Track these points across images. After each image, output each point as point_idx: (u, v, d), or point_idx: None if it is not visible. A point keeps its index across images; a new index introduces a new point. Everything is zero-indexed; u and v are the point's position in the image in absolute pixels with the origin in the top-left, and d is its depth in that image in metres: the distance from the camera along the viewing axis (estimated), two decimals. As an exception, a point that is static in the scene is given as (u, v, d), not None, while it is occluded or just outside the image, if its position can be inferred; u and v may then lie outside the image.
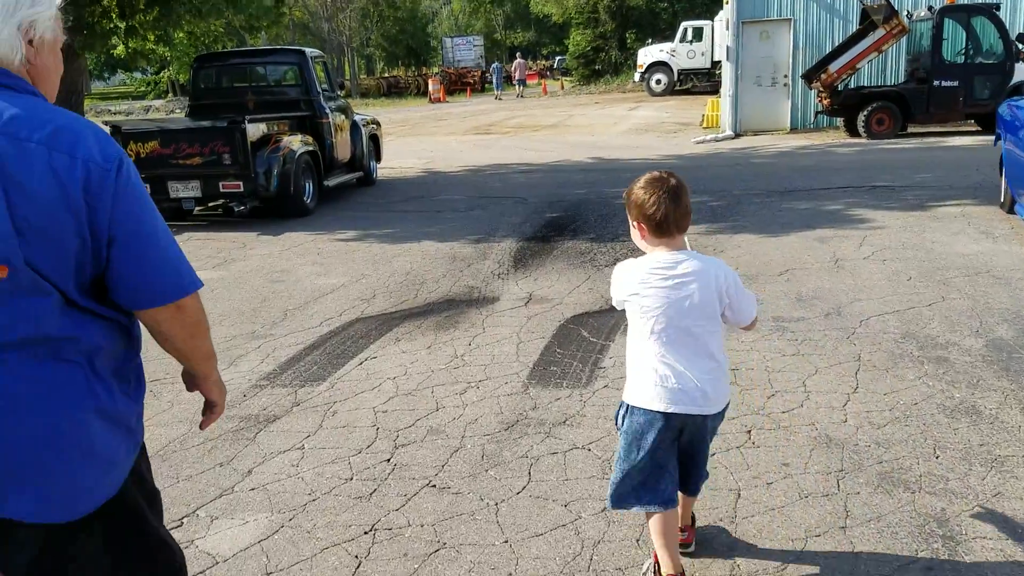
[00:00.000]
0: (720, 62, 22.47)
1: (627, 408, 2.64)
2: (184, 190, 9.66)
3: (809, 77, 16.68)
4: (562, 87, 42.24)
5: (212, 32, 16.28)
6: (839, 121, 17.28)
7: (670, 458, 2.64)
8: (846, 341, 4.98)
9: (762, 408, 4.09)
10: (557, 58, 59.15)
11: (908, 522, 3.06)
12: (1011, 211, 8.22)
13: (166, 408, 4.42)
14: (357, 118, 12.47)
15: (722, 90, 19.68)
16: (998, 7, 15.82)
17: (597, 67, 42.30)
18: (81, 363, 1.66)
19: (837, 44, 16.89)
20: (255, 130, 9.78)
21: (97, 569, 1.79)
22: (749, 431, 3.84)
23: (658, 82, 32.90)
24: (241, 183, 9.60)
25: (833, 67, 16.16)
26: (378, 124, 13.50)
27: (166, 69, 42.33)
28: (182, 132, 9.85)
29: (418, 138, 21.07)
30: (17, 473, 1.61)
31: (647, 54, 33.56)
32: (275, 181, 9.75)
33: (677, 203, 2.49)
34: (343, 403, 4.40)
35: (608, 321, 5.50)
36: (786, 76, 18.20)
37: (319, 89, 11.29)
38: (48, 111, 1.63)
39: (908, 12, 16.65)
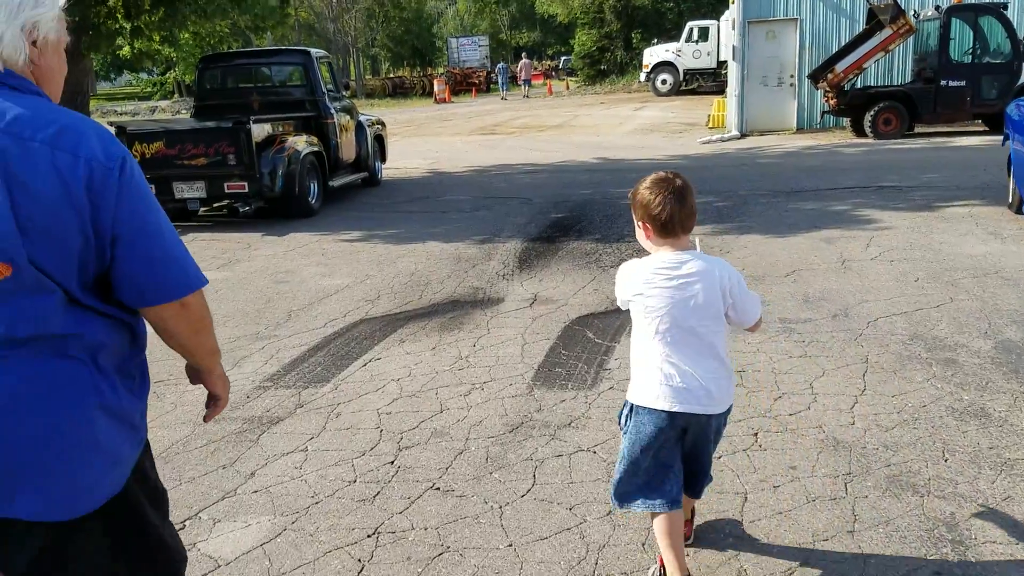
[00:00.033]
0: (726, 62, 22.40)
1: (631, 407, 2.64)
2: (189, 191, 9.66)
3: (815, 77, 16.62)
4: (567, 87, 42.20)
5: (217, 33, 16.27)
6: (845, 121, 17.22)
7: (675, 458, 2.63)
8: (853, 343, 4.94)
9: (769, 410, 4.06)
10: (562, 58, 59.08)
11: (917, 526, 3.03)
12: (1019, 211, 8.18)
13: (169, 410, 4.41)
14: (362, 118, 12.47)
15: (728, 90, 19.63)
16: (1006, 6, 15.76)
17: (602, 67, 42.23)
18: (85, 360, 1.66)
19: (844, 44, 16.84)
20: (260, 130, 9.77)
21: (96, 567, 1.77)
22: (756, 433, 3.81)
23: (664, 82, 32.85)
24: (246, 184, 9.59)
25: (840, 67, 16.11)
26: (383, 124, 13.49)
27: (172, 70, 42.40)
28: (187, 133, 9.85)
29: (423, 138, 21.06)
30: (22, 472, 1.61)
31: (653, 54, 33.51)
32: (280, 181, 9.75)
33: (682, 203, 2.50)
34: (347, 405, 4.38)
35: (613, 322, 5.47)
36: (792, 76, 18.15)
37: (324, 89, 11.29)
38: (52, 111, 1.63)
39: (915, 11, 16.59)
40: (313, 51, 11.66)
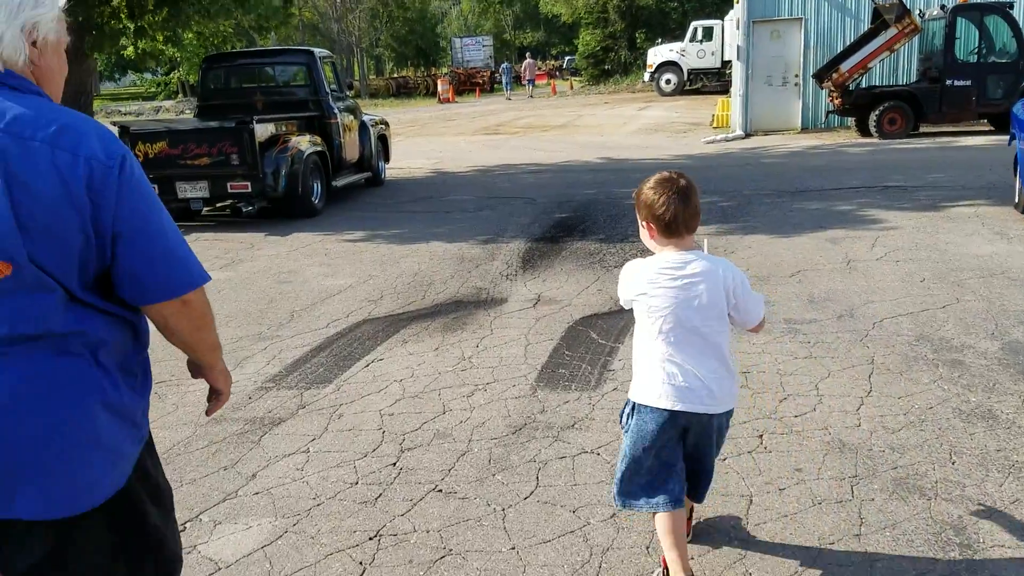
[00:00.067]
0: (730, 62, 22.39)
1: (633, 406, 2.64)
2: (192, 190, 9.64)
3: (820, 76, 16.58)
4: (571, 87, 42.16)
5: (221, 33, 16.27)
6: (850, 121, 17.18)
7: (676, 457, 2.64)
8: (859, 344, 4.91)
9: (774, 412, 4.03)
10: (566, 58, 59.09)
11: (924, 530, 2.99)
12: (1026, 211, 8.13)
13: (171, 411, 4.39)
14: (366, 118, 12.45)
15: (732, 90, 19.59)
16: (1011, 6, 15.69)
17: (607, 67, 42.19)
18: (86, 357, 1.66)
19: (848, 43, 16.78)
20: (263, 130, 9.76)
21: (96, 566, 1.76)
22: (761, 435, 3.78)
23: (668, 82, 32.80)
24: (249, 183, 9.58)
25: (844, 66, 16.05)
26: (387, 124, 13.47)
27: (176, 70, 42.48)
28: (190, 133, 9.85)
29: (427, 138, 21.04)
30: (22, 472, 1.61)
31: (657, 54, 33.46)
32: (283, 181, 9.73)
33: (686, 203, 2.50)
34: (349, 406, 4.36)
35: (617, 323, 5.44)
36: (797, 76, 18.10)
37: (327, 89, 11.27)
38: (52, 110, 1.64)
39: (920, 11, 16.53)
40: (316, 51, 11.65)
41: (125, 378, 1.75)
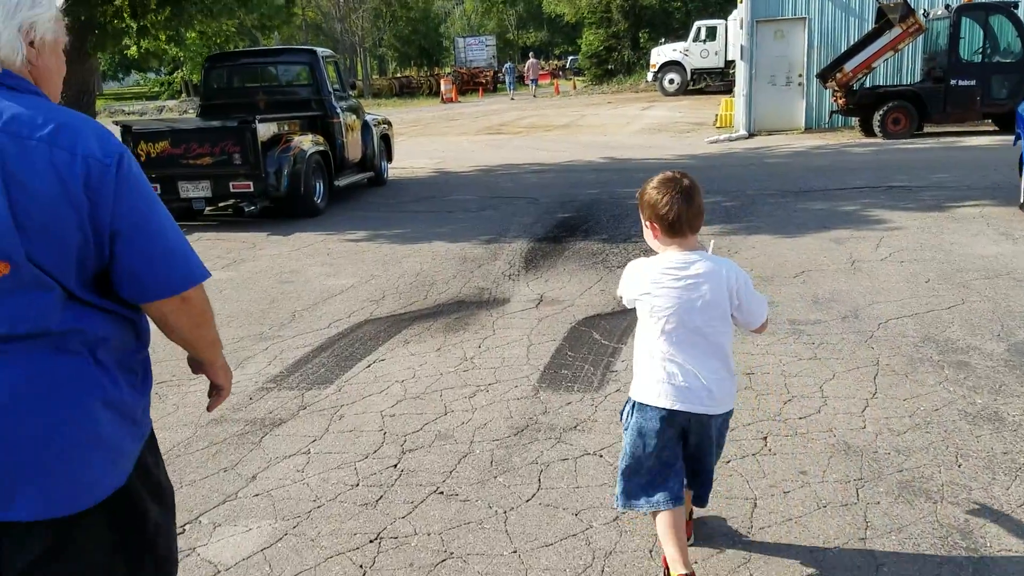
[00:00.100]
0: (734, 61, 22.34)
1: (633, 404, 2.66)
2: (194, 190, 9.63)
3: (824, 76, 16.53)
4: (574, 87, 42.12)
5: (224, 32, 16.25)
6: (854, 121, 17.13)
7: (676, 456, 2.65)
8: (864, 345, 4.87)
9: (778, 414, 3.99)
10: (570, 58, 59.03)
11: (930, 533, 2.96)
12: (1031, 212, 8.09)
13: (171, 411, 4.37)
14: (368, 118, 12.43)
15: (736, 89, 19.55)
16: (1016, 5, 15.64)
17: (610, 67, 42.15)
18: (85, 355, 1.66)
19: (852, 43, 16.74)
20: (266, 130, 9.74)
21: (95, 564, 1.75)
22: (765, 438, 3.75)
23: (671, 82, 32.75)
24: (251, 183, 9.56)
25: (848, 66, 16.01)
26: (389, 124, 13.45)
27: (179, 70, 42.47)
28: (192, 132, 9.83)
29: (430, 138, 21.03)
30: (21, 472, 1.60)
31: (660, 53, 33.41)
32: (285, 181, 9.71)
33: (690, 203, 2.51)
34: (350, 407, 4.33)
35: (620, 323, 5.41)
36: (801, 75, 18.06)
37: (330, 89, 11.25)
38: (49, 110, 1.64)
39: (925, 10, 16.48)
40: (319, 50, 11.63)
41: (125, 375, 1.75)
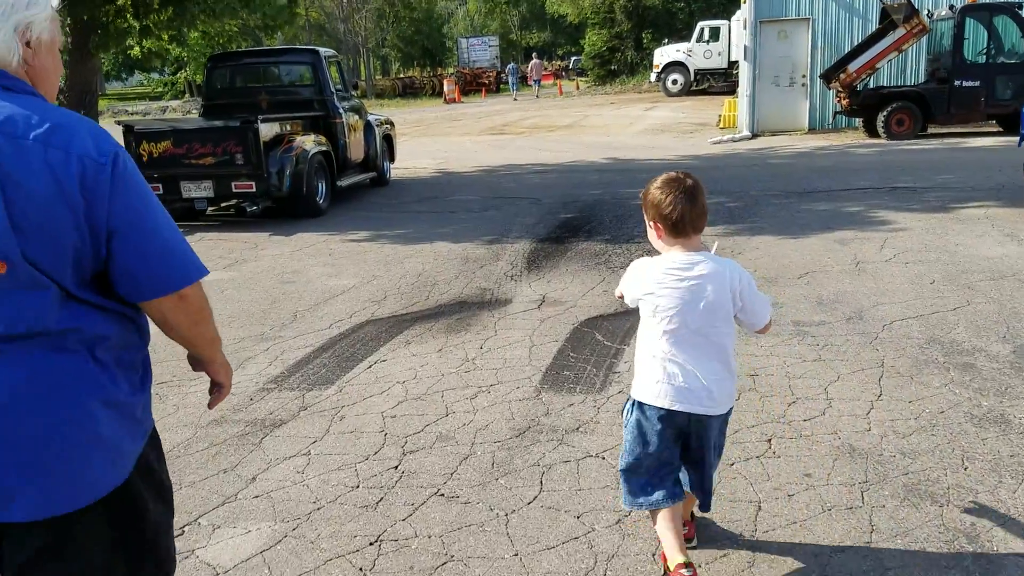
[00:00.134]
0: (737, 62, 22.26)
1: (633, 403, 2.67)
2: (196, 190, 9.61)
3: (828, 77, 16.49)
4: (577, 87, 42.09)
5: (227, 32, 16.25)
6: (858, 122, 17.09)
7: (674, 456, 2.67)
8: (869, 346, 4.84)
9: (783, 416, 3.96)
10: (573, 58, 58.95)
11: (936, 537, 2.93)
12: (1036, 213, 8.05)
13: (171, 412, 4.34)
14: (371, 118, 12.41)
15: (739, 90, 19.49)
16: (1020, 6, 15.58)
17: (613, 67, 42.09)
18: (83, 353, 1.66)
19: (856, 44, 16.70)
20: (268, 130, 9.72)
21: (95, 562, 1.75)
22: (769, 440, 3.71)
23: (674, 82, 32.70)
24: (253, 183, 9.54)
25: (852, 67, 15.97)
26: (392, 124, 13.44)
27: (183, 70, 42.52)
28: (195, 132, 9.81)
29: (432, 138, 21.01)
30: (21, 472, 1.60)
31: (663, 54, 33.35)
32: (287, 181, 9.69)
33: (693, 203, 2.52)
34: (351, 407, 4.30)
35: (623, 324, 5.38)
36: (804, 76, 18.02)
37: (333, 89, 11.23)
38: (44, 110, 1.64)
39: (929, 11, 16.43)
40: (322, 50, 11.61)
41: (124, 373, 1.75)
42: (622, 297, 2.77)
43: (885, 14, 15.95)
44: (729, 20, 30.74)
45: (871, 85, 16.70)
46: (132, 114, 34.86)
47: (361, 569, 2.90)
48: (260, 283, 7.07)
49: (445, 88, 39.41)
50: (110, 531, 1.75)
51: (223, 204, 10.45)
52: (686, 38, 34.05)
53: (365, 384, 4.62)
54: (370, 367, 4.89)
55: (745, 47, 18.27)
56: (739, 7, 20.91)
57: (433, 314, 5.92)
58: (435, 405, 4.29)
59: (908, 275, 6.32)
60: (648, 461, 2.64)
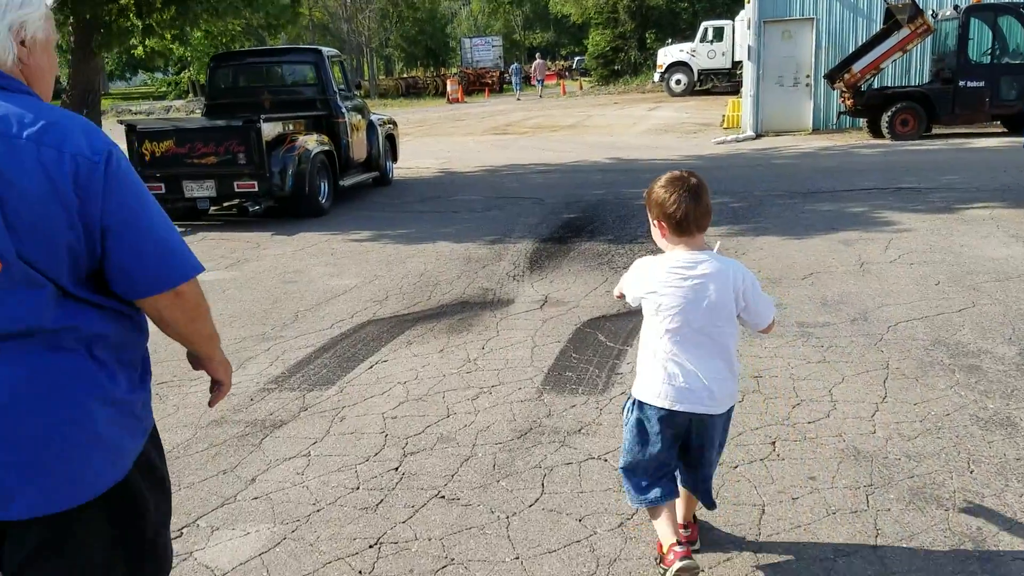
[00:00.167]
0: (741, 62, 22.21)
1: (634, 402, 2.68)
2: (199, 190, 9.59)
3: (832, 77, 16.44)
4: (581, 87, 42.05)
5: (230, 31, 16.24)
6: (862, 122, 17.04)
7: (672, 456, 2.67)
8: (873, 348, 4.80)
9: (787, 418, 3.93)
10: (576, 58, 58.90)
11: (942, 541, 2.90)
12: (1042, 214, 8.00)
13: (171, 412, 4.32)
14: (374, 118, 12.39)
15: (743, 90, 19.45)
16: (1026, 6, 15.54)
17: (616, 67, 42.06)
18: (80, 352, 1.66)
19: (861, 44, 16.64)
20: (270, 129, 9.70)
21: (94, 561, 1.74)
22: (773, 442, 3.68)
23: (678, 82, 32.67)
24: (256, 183, 9.52)
25: (856, 67, 15.92)
26: (395, 124, 13.41)
27: (187, 69, 42.56)
28: (197, 131, 9.79)
29: (435, 138, 20.99)
30: (20, 471, 1.60)
31: (667, 54, 33.33)
32: (290, 181, 9.67)
33: (697, 202, 2.51)
34: (352, 408, 4.28)
35: (626, 325, 5.35)
36: (808, 76, 17.97)
37: (335, 88, 11.21)
38: (38, 109, 1.64)
39: (933, 11, 16.37)
40: (325, 50, 11.60)
41: (123, 371, 1.74)
42: (622, 296, 2.76)
43: (889, 14, 15.91)
44: (733, 20, 30.67)
45: (875, 85, 16.65)
46: (135, 113, 34.90)
47: (360, 572, 2.87)
48: (262, 283, 7.05)
49: (448, 88, 39.38)
50: (110, 528, 1.75)
51: (225, 204, 10.44)
52: (690, 38, 34.01)
53: (366, 385, 4.60)
54: (371, 367, 4.86)
55: (749, 47, 18.22)
56: (743, 7, 20.85)
57: (435, 314, 5.89)
58: (436, 406, 4.26)
59: (913, 276, 6.28)
60: (646, 460, 2.65)
